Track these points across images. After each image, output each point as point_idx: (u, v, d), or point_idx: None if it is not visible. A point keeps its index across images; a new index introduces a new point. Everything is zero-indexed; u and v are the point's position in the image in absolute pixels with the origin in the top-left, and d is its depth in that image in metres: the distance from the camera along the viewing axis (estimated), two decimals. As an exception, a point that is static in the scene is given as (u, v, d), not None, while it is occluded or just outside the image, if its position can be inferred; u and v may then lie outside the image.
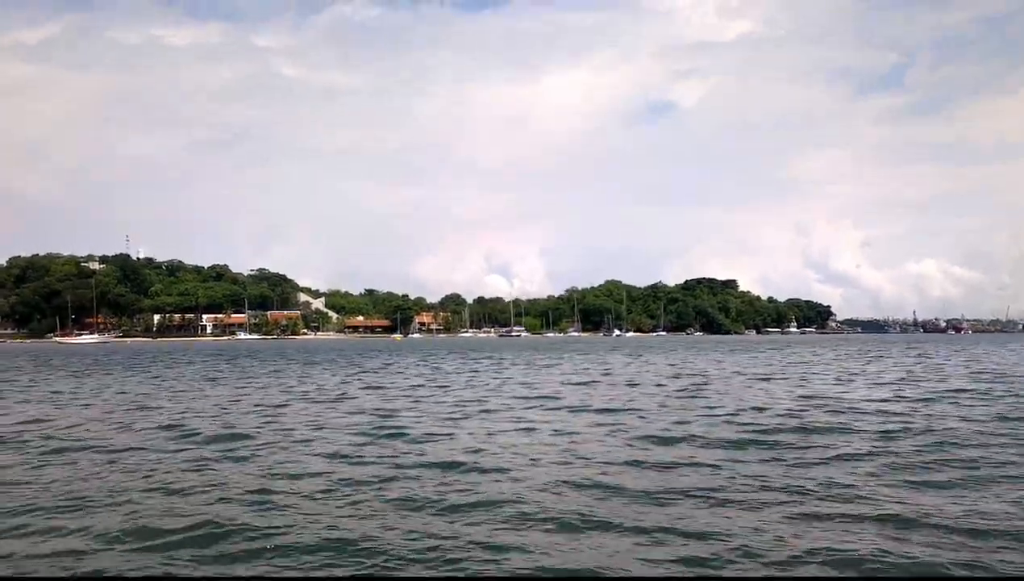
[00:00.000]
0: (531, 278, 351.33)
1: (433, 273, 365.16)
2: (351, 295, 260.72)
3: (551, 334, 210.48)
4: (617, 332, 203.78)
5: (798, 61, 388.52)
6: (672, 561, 6.62)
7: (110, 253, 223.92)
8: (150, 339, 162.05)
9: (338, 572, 6.53)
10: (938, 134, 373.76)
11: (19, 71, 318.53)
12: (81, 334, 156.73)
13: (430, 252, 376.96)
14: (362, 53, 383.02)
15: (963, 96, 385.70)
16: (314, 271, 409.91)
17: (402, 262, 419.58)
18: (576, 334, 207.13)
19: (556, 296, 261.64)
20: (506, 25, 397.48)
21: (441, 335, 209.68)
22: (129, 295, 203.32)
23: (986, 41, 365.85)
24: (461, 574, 6.20)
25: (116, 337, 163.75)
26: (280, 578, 6.06)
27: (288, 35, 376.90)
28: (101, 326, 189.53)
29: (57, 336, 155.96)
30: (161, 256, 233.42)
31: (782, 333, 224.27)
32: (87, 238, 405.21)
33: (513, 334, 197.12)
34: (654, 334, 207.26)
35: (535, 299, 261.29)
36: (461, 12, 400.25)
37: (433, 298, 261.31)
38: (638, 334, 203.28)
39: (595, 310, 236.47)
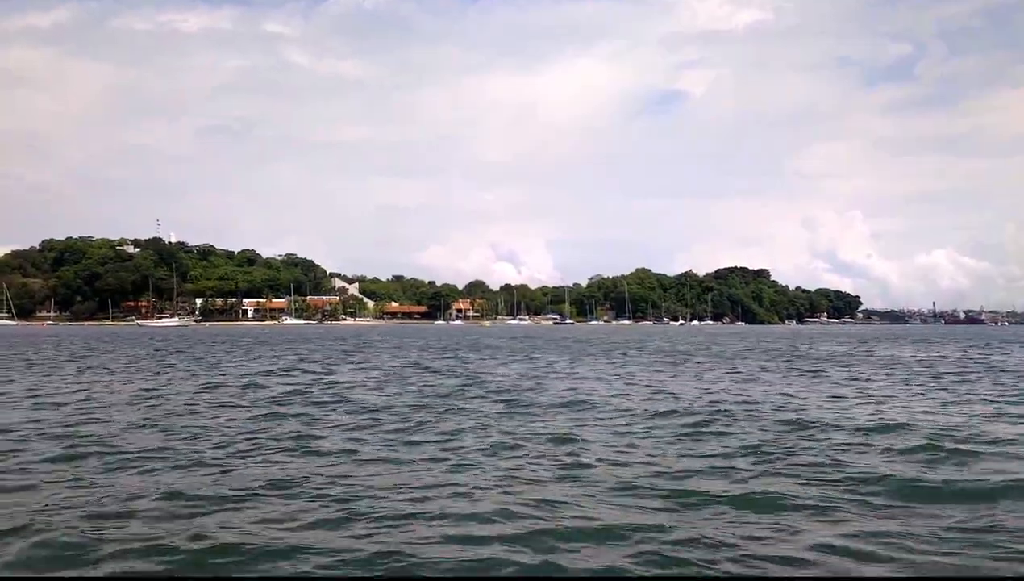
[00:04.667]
0: (540, 268, 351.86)
1: (440, 262, 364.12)
2: (380, 281, 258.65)
3: (595, 322, 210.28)
4: (680, 321, 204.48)
5: (807, 51, 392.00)
6: None
7: (131, 237, 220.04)
8: (225, 323, 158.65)
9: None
10: (948, 126, 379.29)
11: (29, 57, 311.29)
12: (161, 317, 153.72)
13: (437, 242, 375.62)
14: (371, 43, 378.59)
15: (973, 88, 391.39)
16: (322, 259, 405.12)
17: (408, 252, 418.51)
18: (627, 322, 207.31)
19: (585, 284, 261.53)
20: (513, 15, 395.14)
21: (486, 323, 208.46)
22: (171, 279, 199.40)
23: (996, 33, 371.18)
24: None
25: (195, 321, 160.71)
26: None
27: (299, 22, 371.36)
28: (144, 310, 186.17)
29: (139, 319, 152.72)
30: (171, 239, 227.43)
31: (821, 324, 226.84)
32: (98, 224, 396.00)
33: (567, 323, 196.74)
34: (695, 323, 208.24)
35: (561, 286, 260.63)
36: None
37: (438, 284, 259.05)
38: (704, 324, 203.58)
39: (628, 299, 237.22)
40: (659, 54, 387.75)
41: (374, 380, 22.92)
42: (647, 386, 21.00)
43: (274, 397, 17.66)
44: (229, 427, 12.90)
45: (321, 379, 22.95)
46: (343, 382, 21.95)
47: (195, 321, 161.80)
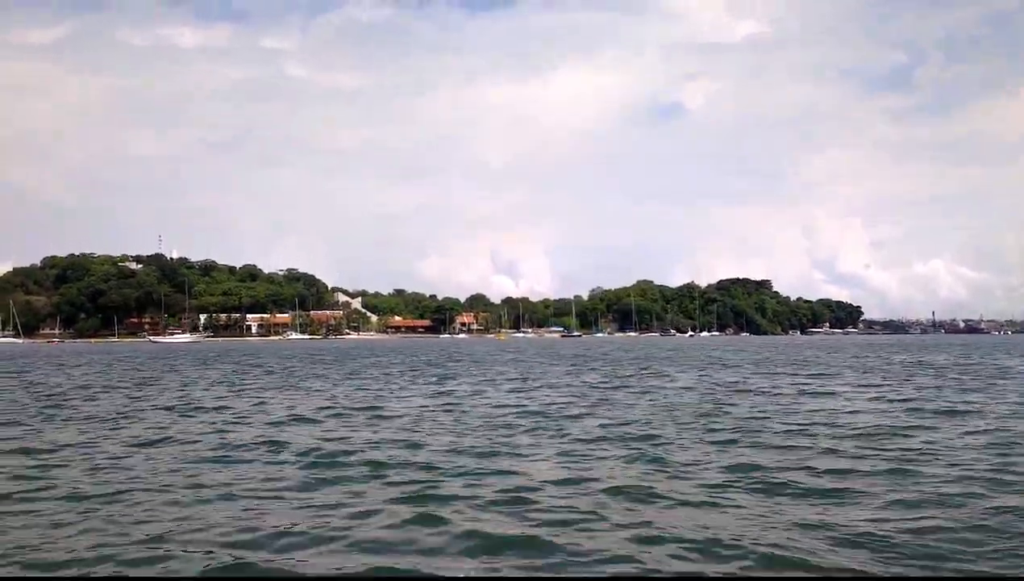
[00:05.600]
0: (538, 279, 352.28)
1: (438, 273, 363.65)
2: (381, 295, 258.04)
3: (600, 335, 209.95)
4: (690, 333, 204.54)
5: (807, 60, 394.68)
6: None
7: (132, 254, 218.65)
8: (235, 338, 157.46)
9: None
10: (946, 133, 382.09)
11: (28, 71, 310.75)
12: (174, 333, 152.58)
13: (433, 253, 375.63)
14: (370, 54, 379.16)
15: (972, 95, 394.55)
16: (322, 274, 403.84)
17: (405, 263, 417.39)
18: (633, 334, 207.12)
19: (585, 296, 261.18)
20: (514, 25, 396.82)
21: (490, 336, 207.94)
22: (174, 295, 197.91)
23: (995, 40, 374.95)
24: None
25: (207, 336, 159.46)
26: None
27: (296, 36, 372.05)
28: (148, 326, 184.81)
29: (151, 335, 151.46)
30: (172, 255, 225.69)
31: (826, 334, 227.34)
32: (98, 240, 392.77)
33: (573, 335, 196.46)
34: (705, 334, 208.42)
35: (563, 299, 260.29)
36: (469, 13, 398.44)
37: (439, 298, 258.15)
38: (712, 335, 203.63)
39: (630, 310, 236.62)
40: (661, 64, 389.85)
41: (575, 397, 21.52)
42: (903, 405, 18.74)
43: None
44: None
45: (530, 400, 21.02)
46: (553, 403, 20.12)
47: (207, 337, 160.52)
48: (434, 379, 30.89)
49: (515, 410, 18.14)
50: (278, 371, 37.83)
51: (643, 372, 35.04)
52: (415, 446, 12.64)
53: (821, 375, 31.80)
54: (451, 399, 21.48)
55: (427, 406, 19.59)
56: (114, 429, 15.19)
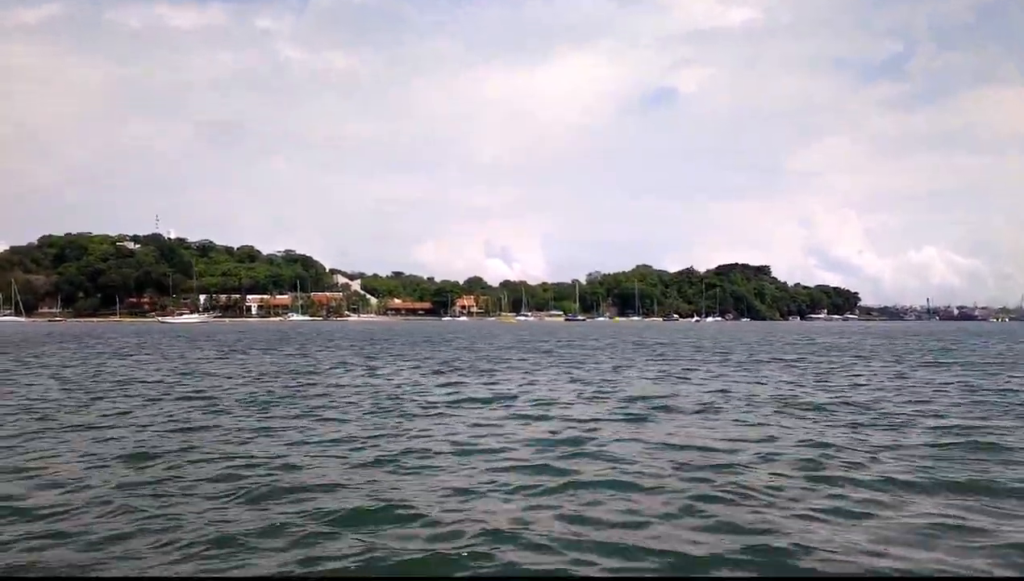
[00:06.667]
0: (534, 264, 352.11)
1: (433, 259, 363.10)
2: (380, 277, 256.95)
3: (601, 319, 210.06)
4: (696, 318, 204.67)
5: (800, 50, 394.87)
6: None
7: (129, 233, 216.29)
8: (241, 319, 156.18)
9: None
10: (940, 123, 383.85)
11: (20, 53, 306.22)
12: (182, 314, 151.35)
13: (427, 240, 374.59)
14: (364, 38, 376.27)
15: (965, 84, 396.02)
16: (318, 255, 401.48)
17: (402, 257, 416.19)
18: (636, 319, 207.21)
19: (583, 281, 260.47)
20: (508, 12, 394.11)
21: (491, 319, 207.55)
22: (175, 275, 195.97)
23: (988, 29, 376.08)
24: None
25: (215, 317, 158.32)
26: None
27: (290, 18, 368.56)
28: (149, 306, 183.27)
29: (159, 315, 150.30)
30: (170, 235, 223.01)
31: (825, 320, 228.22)
32: (96, 220, 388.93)
33: (577, 319, 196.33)
34: (711, 320, 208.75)
35: (562, 283, 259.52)
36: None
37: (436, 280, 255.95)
38: (716, 320, 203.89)
39: (630, 295, 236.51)
40: (655, 52, 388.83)
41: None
42: None
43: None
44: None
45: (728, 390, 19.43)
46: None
47: (215, 317, 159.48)
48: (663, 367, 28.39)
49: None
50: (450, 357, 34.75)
51: (789, 362, 31.91)
52: None
53: (990, 365, 29.67)
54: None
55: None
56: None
